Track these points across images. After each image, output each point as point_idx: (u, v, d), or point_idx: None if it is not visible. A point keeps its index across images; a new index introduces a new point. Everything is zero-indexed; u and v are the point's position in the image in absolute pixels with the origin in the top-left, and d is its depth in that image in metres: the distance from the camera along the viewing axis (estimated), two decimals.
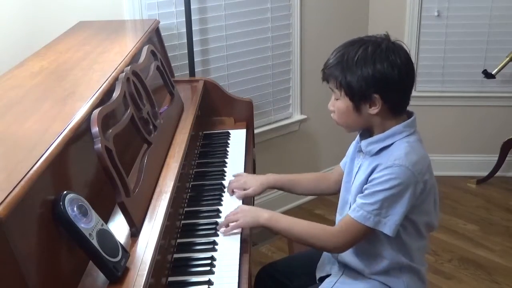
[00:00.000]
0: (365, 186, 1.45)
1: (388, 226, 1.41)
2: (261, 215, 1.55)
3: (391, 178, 1.39)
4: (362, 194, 1.45)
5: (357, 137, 1.57)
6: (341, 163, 1.72)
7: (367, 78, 1.39)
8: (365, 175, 1.46)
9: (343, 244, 1.48)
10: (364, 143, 1.49)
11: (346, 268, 1.60)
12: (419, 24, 3.34)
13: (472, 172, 3.51)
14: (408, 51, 1.45)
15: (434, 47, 3.37)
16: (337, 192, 1.69)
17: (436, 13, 3.30)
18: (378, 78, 1.39)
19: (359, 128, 1.51)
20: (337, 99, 1.47)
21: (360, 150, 1.53)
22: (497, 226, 3.03)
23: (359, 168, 1.52)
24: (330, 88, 1.49)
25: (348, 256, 1.56)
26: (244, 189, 1.76)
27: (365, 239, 1.47)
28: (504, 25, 3.26)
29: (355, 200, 1.48)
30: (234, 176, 1.84)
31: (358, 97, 1.42)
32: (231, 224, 1.55)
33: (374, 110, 1.43)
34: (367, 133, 1.51)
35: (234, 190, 1.76)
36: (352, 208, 1.45)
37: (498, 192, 3.37)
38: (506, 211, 3.17)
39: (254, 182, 1.77)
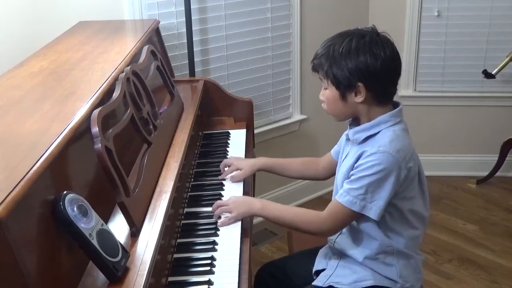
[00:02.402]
0: (351, 172, 1.50)
1: (374, 211, 1.47)
2: (254, 205, 1.63)
3: (375, 164, 1.45)
4: (348, 180, 1.50)
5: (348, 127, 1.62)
6: (332, 151, 1.79)
7: (351, 69, 1.46)
8: (351, 162, 1.52)
9: (331, 227, 1.55)
10: (351, 131, 1.56)
11: (341, 259, 1.62)
12: (419, 24, 3.34)
13: (472, 172, 3.51)
14: (393, 42, 1.50)
15: (434, 47, 3.37)
16: (325, 178, 1.85)
17: (436, 13, 3.30)
18: (361, 69, 1.45)
19: (347, 116, 1.57)
20: (325, 89, 1.54)
21: (348, 139, 1.59)
22: (497, 226, 3.03)
23: (346, 155, 1.59)
24: (319, 78, 1.55)
25: (342, 239, 1.61)
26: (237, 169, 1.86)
27: (352, 222, 1.54)
28: (504, 25, 3.26)
29: (342, 184, 1.54)
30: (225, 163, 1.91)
31: (343, 86, 1.49)
32: (225, 217, 1.60)
33: (359, 99, 1.49)
34: (356, 122, 1.57)
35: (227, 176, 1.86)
36: (340, 193, 1.51)
37: (498, 192, 3.36)
38: (506, 211, 3.17)
39: (245, 164, 1.87)
